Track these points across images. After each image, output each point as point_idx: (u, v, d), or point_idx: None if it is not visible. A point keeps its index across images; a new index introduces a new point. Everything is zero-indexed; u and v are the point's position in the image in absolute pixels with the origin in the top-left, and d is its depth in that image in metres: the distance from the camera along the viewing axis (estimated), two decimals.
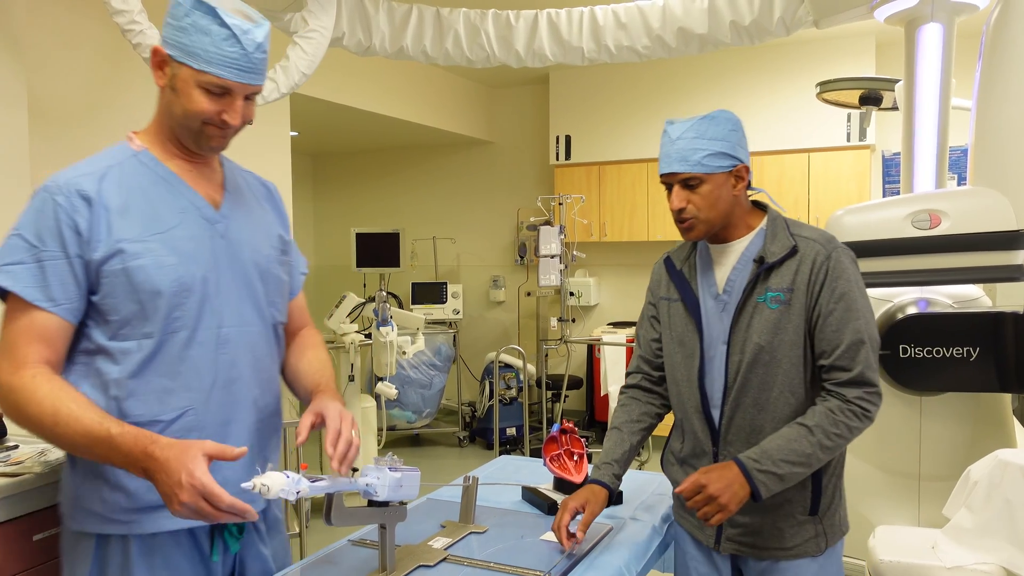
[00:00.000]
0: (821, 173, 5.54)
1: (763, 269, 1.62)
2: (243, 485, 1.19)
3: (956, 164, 5.22)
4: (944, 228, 2.49)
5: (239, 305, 1.44)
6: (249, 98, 1.39)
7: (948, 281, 2.75)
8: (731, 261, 1.68)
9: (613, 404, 5.67)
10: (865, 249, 2.51)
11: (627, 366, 6.35)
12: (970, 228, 2.47)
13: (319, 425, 1.37)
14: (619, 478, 1.76)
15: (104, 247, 1.30)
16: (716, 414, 1.67)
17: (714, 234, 1.67)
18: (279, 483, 1.22)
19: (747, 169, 1.63)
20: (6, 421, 1.94)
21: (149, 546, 1.33)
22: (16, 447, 1.80)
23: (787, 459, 1.53)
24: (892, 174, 5.61)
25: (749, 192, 1.70)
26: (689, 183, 1.61)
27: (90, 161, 1.37)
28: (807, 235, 1.64)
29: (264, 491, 1.21)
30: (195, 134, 1.38)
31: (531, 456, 3.60)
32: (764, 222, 1.69)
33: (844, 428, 1.56)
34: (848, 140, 5.41)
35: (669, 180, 1.64)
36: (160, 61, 1.34)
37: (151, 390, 1.32)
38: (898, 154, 5.53)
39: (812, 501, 1.64)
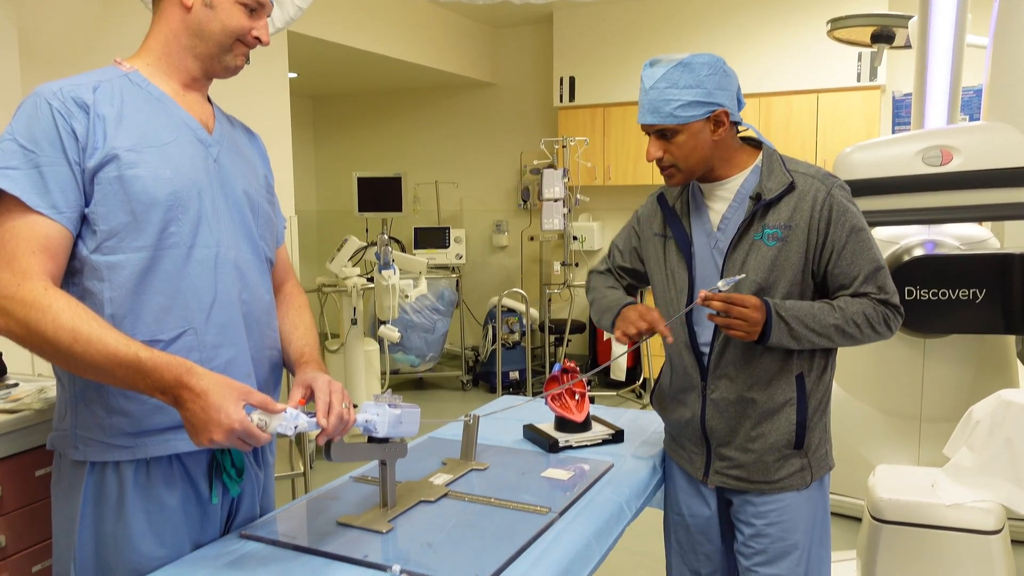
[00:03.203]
0: (830, 115, 5.44)
1: (760, 206, 1.59)
2: None
3: (968, 105, 5.11)
4: (956, 165, 2.44)
5: (234, 231, 1.41)
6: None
7: (959, 219, 2.71)
8: (725, 199, 1.66)
9: (616, 349, 5.70)
10: (874, 187, 2.46)
11: None
12: (983, 165, 2.41)
13: (309, 398, 1.35)
14: None
15: (100, 154, 1.25)
16: (706, 350, 1.67)
17: (703, 174, 1.65)
18: (277, 418, 1.22)
19: (727, 113, 1.58)
20: (6, 360, 1.94)
21: (144, 484, 1.32)
22: (16, 385, 1.80)
23: (805, 321, 1.55)
24: (902, 115, 5.50)
25: (740, 128, 1.66)
26: (664, 133, 1.58)
27: (79, 76, 1.32)
28: (804, 171, 1.62)
29: (263, 426, 1.20)
30: (223, 53, 1.38)
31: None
32: (759, 159, 1.66)
33: (865, 323, 1.58)
34: (858, 80, 5.29)
35: (645, 130, 1.62)
36: None
37: (148, 308, 1.29)
38: (909, 95, 5.42)
39: (797, 435, 1.65)
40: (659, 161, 1.61)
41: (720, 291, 1.53)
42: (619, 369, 5.72)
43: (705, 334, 1.67)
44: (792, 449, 1.66)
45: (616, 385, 5.80)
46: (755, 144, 1.69)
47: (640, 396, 5.75)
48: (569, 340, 5.97)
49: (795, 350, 1.62)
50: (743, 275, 1.56)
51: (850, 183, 2.31)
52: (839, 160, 2.59)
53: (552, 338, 5.97)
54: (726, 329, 1.54)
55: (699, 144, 1.58)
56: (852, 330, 1.58)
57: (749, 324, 1.52)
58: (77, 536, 1.32)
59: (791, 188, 1.59)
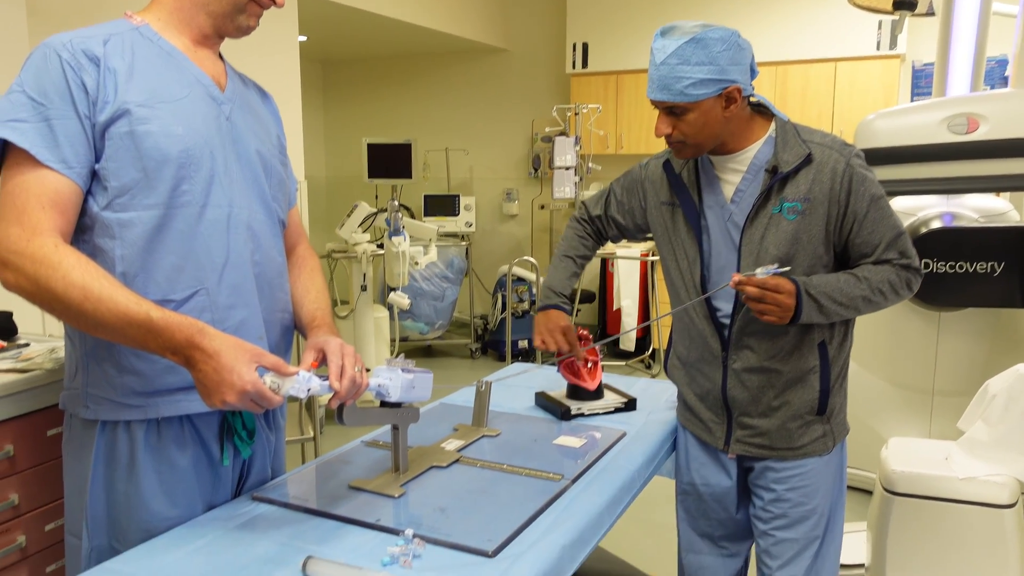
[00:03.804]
0: (848, 84, 5.35)
1: (777, 179, 1.56)
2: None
3: (990, 76, 5.01)
4: (982, 133, 2.38)
5: (246, 192, 1.38)
6: None
7: (983, 189, 2.66)
8: (738, 171, 1.62)
9: (625, 319, 5.68)
10: (897, 155, 2.41)
11: (640, 281, 6.31)
12: (1011, 133, 2.35)
13: (321, 361, 1.33)
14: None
15: (111, 108, 1.22)
16: (727, 321, 1.65)
17: (714, 147, 1.61)
18: (290, 380, 1.20)
19: (739, 90, 1.53)
20: (16, 320, 1.93)
21: (155, 444, 1.31)
22: (27, 345, 1.80)
23: (833, 296, 1.54)
24: (921, 86, 5.41)
25: (751, 99, 1.61)
26: (673, 110, 1.54)
27: (89, 28, 1.28)
28: (820, 141, 1.58)
29: (275, 388, 1.19)
30: (237, 12, 1.34)
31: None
32: (771, 129, 1.62)
33: (889, 288, 1.58)
34: (878, 49, 5.19)
35: (654, 106, 1.57)
36: None
37: (160, 268, 1.27)
38: (930, 64, 5.32)
39: (820, 402, 1.65)
40: (668, 137, 1.57)
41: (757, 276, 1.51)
42: (628, 339, 5.71)
43: (725, 306, 1.65)
44: (815, 415, 1.66)
45: (625, 355, 5.79)
46: (766, 112, 1.64)
47: (649, 366, 5.74)
48: (579, 309, 5.95)
49: None
50: (787, 268, 1.54)
51: (872, 151, 2.27)
52: (861, 127, 2.53)
53: None
54: (760, 315, 1.52)
55: (710, 121, 1.53)
56: (878, 298, 1.58)
57: (783, 309, 1.50)
58: (89, 495, 1.31)
59: (808, 160, 1.55)
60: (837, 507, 1.74)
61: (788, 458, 1.68)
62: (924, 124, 2.48)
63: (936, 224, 2.97)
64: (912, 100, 5.49)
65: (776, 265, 1.51)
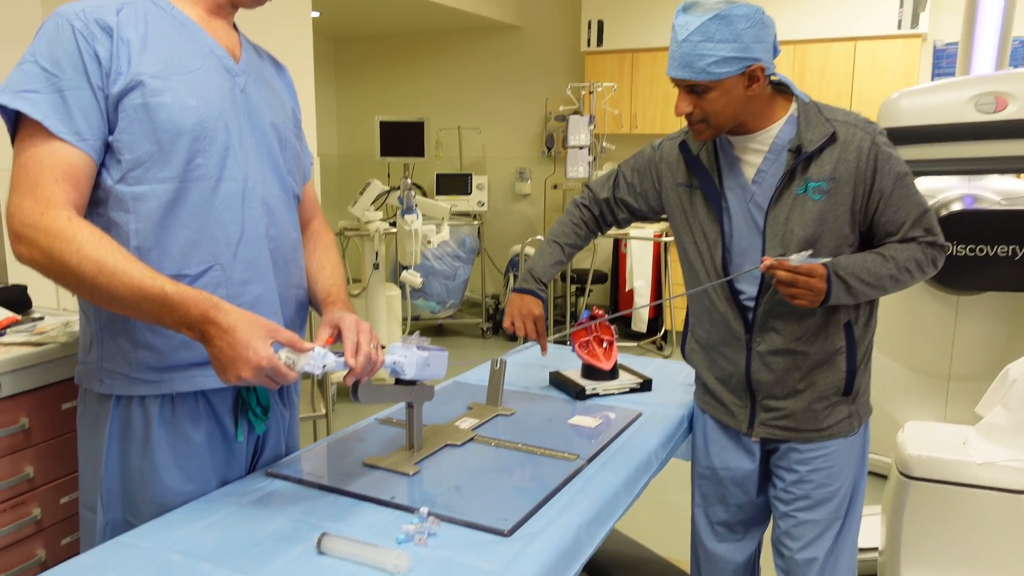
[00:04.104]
0: (867, 63, 5.26)
1: (801, 159, 1.53)
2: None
3: (1014, 56, 4.92)
4: (1011, 112, 2.33)
5: (261, 165, 1.37)
6: None
7: (1010, 170, 2.61)
8: (759, 151, 1.59)
9: (638, 300, 5.66)
10: (922, 135, 2.36)
11: (653, 262, 6.26)
12: None
13: (337, 337, 1.31)
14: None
15: (124, 80, 1.20)
16: (751, 304, 1.63)
17: (734, 127, 1.58)
18: (305, 356, 1.19)
19: (762, 68, 1.50)
20: (31, 294, 1.93)
21: (170, 419, 1.31)
22: (41, 318, 1.79)
23: (860, 276, 1.53)
24: (943, 66, 5.32)
25: (772, 77, 1.57)
26: (695, 89, 1.50)
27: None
28: (844, 119, 1.55)
29: (290, 364, 1.18)
30: None
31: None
32: (792, 108, 1.58)
33: (915, 267, 1.57)
34: (899, 28, 5.10)
35: (675, 84, 1.54)
36: None
37: (175, 242, 1.25)
38: (952, 44, 5.23)
39: (846, 382, 1.64)
40: (688, 116, 1.54)
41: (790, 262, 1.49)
42: (640, 320, 5.68)
43: (749, 289, 1.62)
44: (840, 396, 1.65)
45: (637, 336, 5.77)
46: (787, 91, 1.61)
47: (661, 348, 5.72)
48: (591, 290, 5.93)
49: None
50: (827, 261, 1.51)
51: (896, 130, 2.23)
52: (885, 106, 2.48)
53: (574, 287, 5.94)
54: (790, 298, 1.50)
55: (732, 100, 1.50)
56: (904, 277, 1.57)
57: (815, 293, 1.48)
58: (103, 470, 1.31)
59: (832, 139, 1.53)
60: (859, 488, 1.73)
61: (814, 439, 1.66)
62: (950, 103, 2.43)
63: (957, 206, 2.93)
64: (932, 80, 5.40)
65: (809, 252, 1.48)
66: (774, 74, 1.56)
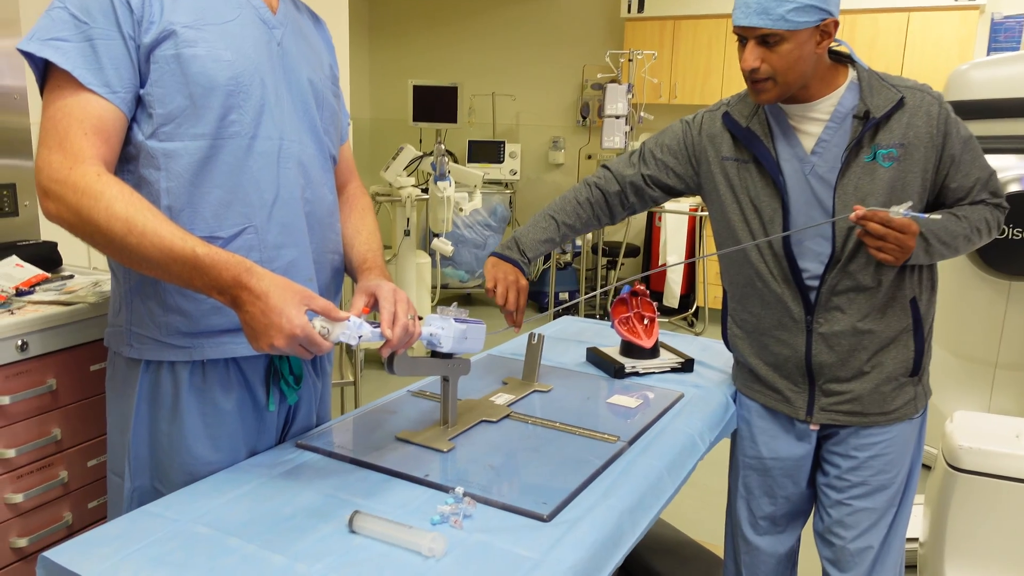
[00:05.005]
0: (920, 36, 5.06)
1: (871, 125, 1.45)
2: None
3: None
4: None
5: (298, 124, 1.30)
6: None
7: None
8: (819, 120, 1.51)
9: (670, 275, 5.56)
10: (994, 109, 2.23)
11: (688, 237, 6.14)
12: None
13: (372, 306, 1.25)
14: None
15: (156, 29, 1.14)
16: (815, 283, 1.54)
17: (794, 93, 1.49)
18: (340, 326, 1.14)
19: (836, 23, 1.42)
20: (61, 252, 1.89)
21: (200, 386, 1.26)
22: (71, 277, 1.76)
23: (939, 235, 1.48)
24: (1000, 40, 5.09)
25: (833, 44, 1.50)
26: (767, 40, 1.40)
27: None
28: (909, 85, 1.49)
29: (325, 333, 1.12)
30: None
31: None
32: (851, 75, 1.51)
33: (985, 227, 1.54)
34: None
35: (744, 34, 1.43)
36: None
37: (207, 202, 1.20)
38: (1012, 17, 5.00)
39: (915, 362, 1.58)
40: (753, 72, 1.44)
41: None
42: (671, 295, 5.59)
43: (813, 266, 1.54)
44: (907, 377, 1.59)
45: (668, 312, 5.68)
46: (841, 59, 1.54)
47: (692, 324, 5.62)
48: (623, 263, 5.84)
49: (907, 273, 1.53)
50: (932, 215, 1.45)
51: (963, 103, 2.11)
52: (953, 77, 2.35)
53: (605, 260, 5.85)
54: (877, 252, 1.43)
55: (803, 56, 1.41)
56: (975, 238, 1.53)
57: (903, 251, 1.42)
58: (131, 435, 1.28)
59: (900, 104, 1.46)
60: (914, 475, 1.67)
61: (879, 423, 1.59)
62: None
63: (1015, 188, 2.79)
64: (988, 55, 5.18)
65: (910, 203, 1.40)
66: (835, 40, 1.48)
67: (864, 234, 1.42)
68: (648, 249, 6.01)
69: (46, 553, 1.02)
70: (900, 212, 1.39)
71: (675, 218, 5.50)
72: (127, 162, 1.19)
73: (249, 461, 1.30)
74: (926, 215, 1.43)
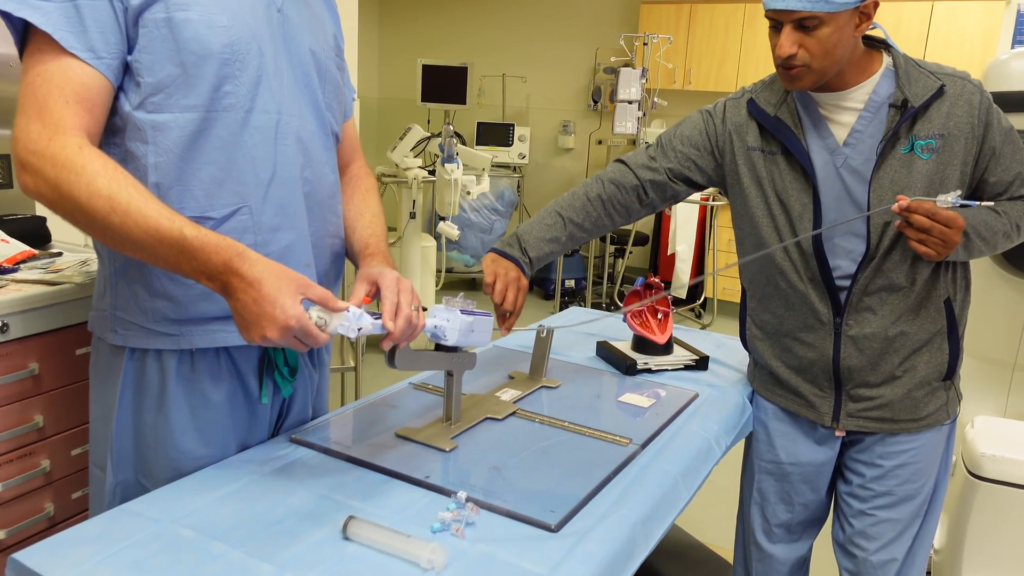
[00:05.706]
0: (943, 26, 4.93)
1: (909, 114, 1.36)
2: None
3: None
4: None
5: (298, 97, 1.21)
6: None
7: None
8: (853, 109, 1.42)
9: (679, 264, 5.46)
10: None
11: (698, 226, 6.01)
12: None
13: (374, 295, 1.17)
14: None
15: None
16: (846, 282, 1.46)
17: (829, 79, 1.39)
18: (338, 317, 1.05)
19: (876, 3, 1.32)
20: (51, 227, 1.81)
21: (188, 376, 1.18)
22: (60, 254, 1.68)
23: (980, 231, 1.40)
24: None
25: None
26: (804, 24, 1.30)
27: None
28: (947, 72, 1.40)
29: (322, 324, 1.04)
30: None
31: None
32: (886, 62, 1.42)
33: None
34: None
35: (779, 18, 1.32)
36: None
37: (199, 180, 1.11)
38: None
39: (949, 364, 1.50)
40: (790, 59, 1.34)
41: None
42: (680, 286, 5.50)
43: (845, 266, 1.45)
44: (940, 381, 1.51)
45: (675, 302, 5.59)
46: (875, 44, 1.44)
47: (699, 316, 5.54)
48: (631, 252, 5.75)
49: (941, 272, 1.45)
50: (982, 204, 1.37)
51: (1004, 95, 2.00)
52: (992, 67, 2.24)
53: (613, 248, 5.76)
54: (918, 246, 1.33)
55: (842, 40, 1.32)
56: (1014, 234, 1.46)
57: (946, 246, 1.33)
58: (115, 427, 1.20)
59: (940, 92, 1.37)
60: (941, 484, 1.59)
61: (910, 430, 1.51)
62: None
63: None
64: (1013, 47, 5.05)
65: (957, 193, 1.31)
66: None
67: (905, 226, 1.33)
68: (657, 238, 5.91)
69: (16, 555, 0.94)
70: (949, 201, 1.30)
71: (685, 207, 5.40)
72: (112, 135, 1.10)
73: (239, 456, 1.23)
74: (976, 202, 1.34)
